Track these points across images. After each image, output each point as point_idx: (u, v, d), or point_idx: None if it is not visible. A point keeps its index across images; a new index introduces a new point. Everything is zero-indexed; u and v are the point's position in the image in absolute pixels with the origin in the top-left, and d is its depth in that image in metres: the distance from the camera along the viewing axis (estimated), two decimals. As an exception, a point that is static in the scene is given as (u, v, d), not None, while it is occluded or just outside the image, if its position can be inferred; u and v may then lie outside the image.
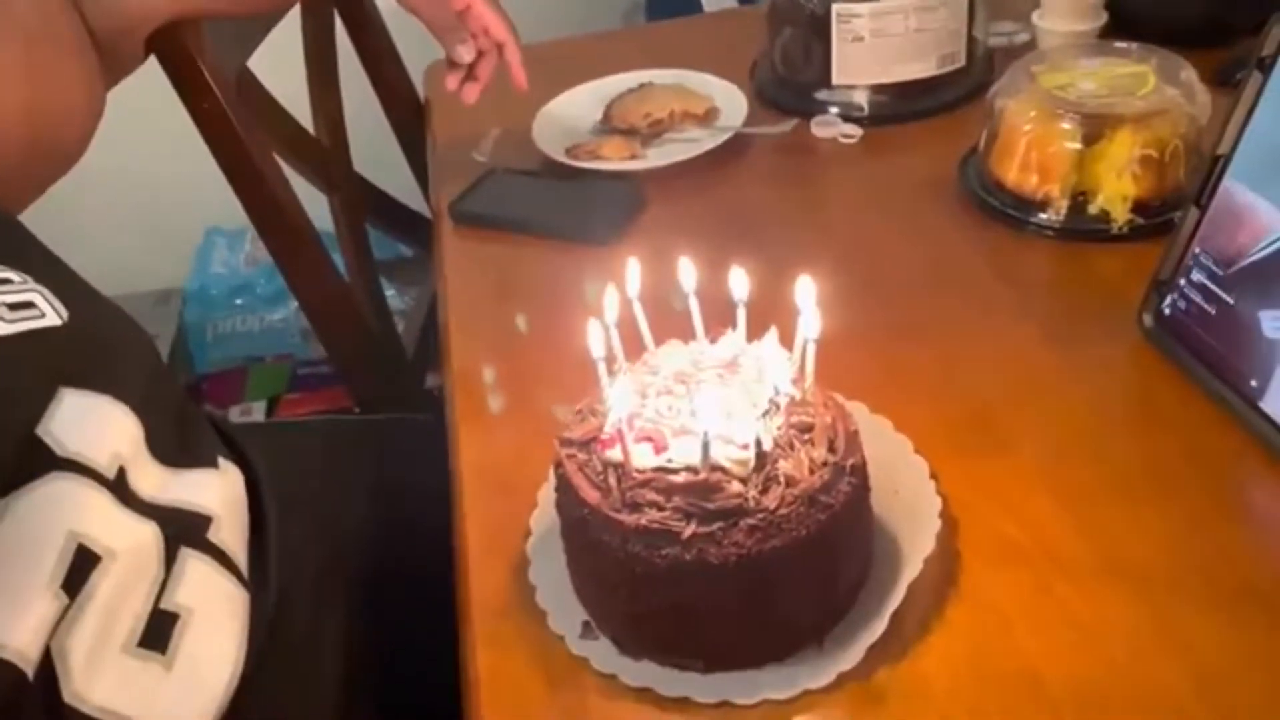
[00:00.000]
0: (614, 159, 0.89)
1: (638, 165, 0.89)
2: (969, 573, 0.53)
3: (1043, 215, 0.75)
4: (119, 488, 0.50)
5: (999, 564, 0.53)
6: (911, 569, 0.51)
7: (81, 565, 0.47)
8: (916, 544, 0.52)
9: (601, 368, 0.50)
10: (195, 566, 0.53)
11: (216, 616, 0.53)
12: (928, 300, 0.72)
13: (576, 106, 0.98)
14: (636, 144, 0.91)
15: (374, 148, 1.11)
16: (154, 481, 0.52)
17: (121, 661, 0.48)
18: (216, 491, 0.56)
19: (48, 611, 0.46)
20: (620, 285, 0.53)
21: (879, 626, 0.49)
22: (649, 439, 0.48)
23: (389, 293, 1.27)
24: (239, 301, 1.62)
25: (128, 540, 0.50)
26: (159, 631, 0.50)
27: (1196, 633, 0.49)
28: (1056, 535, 0.54)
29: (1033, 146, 0.74)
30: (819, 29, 0.91)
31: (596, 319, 0.50)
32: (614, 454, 0.48)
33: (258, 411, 1.62)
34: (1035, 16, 0.93)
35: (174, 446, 0.55)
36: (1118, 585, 0.51)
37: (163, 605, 0.51)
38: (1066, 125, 0.73)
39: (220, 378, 1.64)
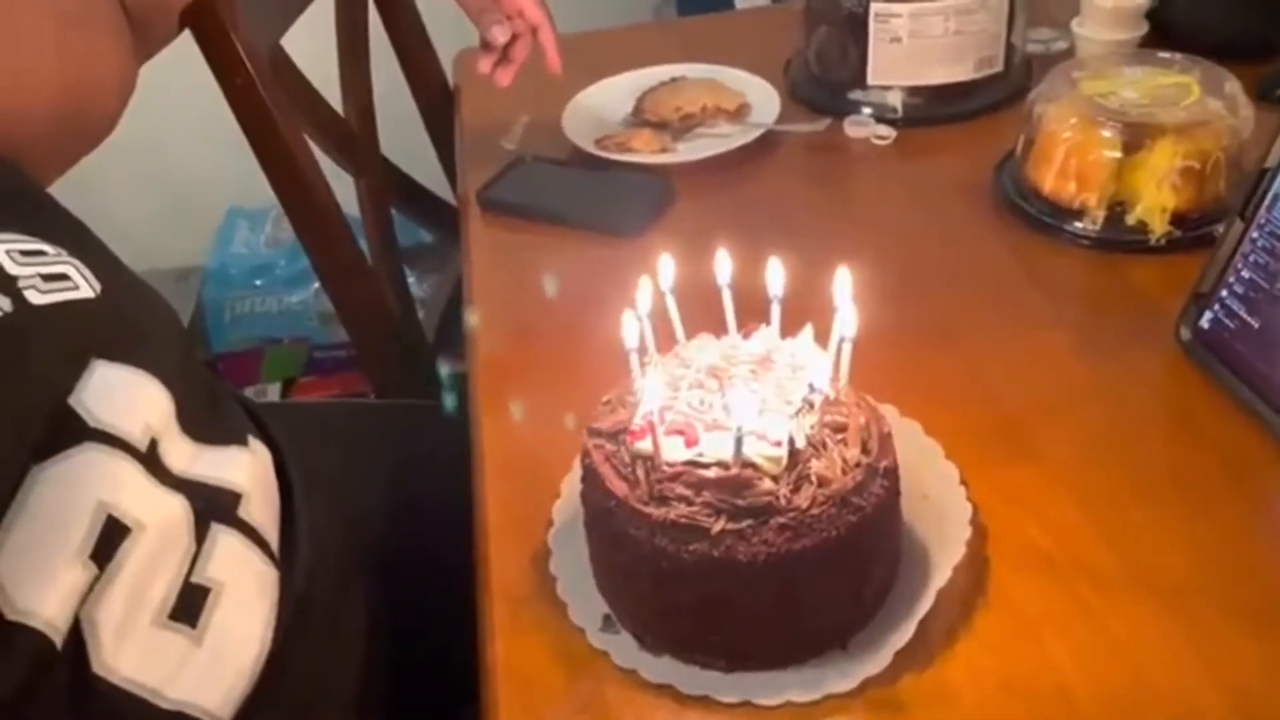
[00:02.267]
0: (644, 152, 0.89)
1: (668, 159, 0.88)
2: (997, 581, 0.52)
3: (1079, 224, 0.74)
4: (150, 460, 0.50)
5: (1028, 573, 0.52)
6: (940, 576, 0.50)
7: (111, 536, 0.47)
8: (946, 550, 0.52)
9: (634, 359, 0.49)
10: (226, 542, 0.52)
11: (247, 592, 0.53)
12: (960, 305, 0.72)
13: (607, 98, 0.97)
14: (667, 137, 0.91)
15: (402, 132, 1.10)
16: (185, 455, 0.52)
17: (151, 634, 0.48)
18: (246, 469, 0.56)
19: (77, 581, 0.45)
20: (652, 277, 0.53)
21: (906, 632, 0.48)
22: (680, 432, 0.47)
23: (409, 279, 1.27)
24: (258, 282, 1.62)
25: (158, 513, 0.49)
26: (190, 605, 0.50)
27: (1228, 647, 0.48)
28: (1086, 546, 0.53)
29: (1072, 153, 0.73)
30: (856, 28, 0.90)
31: (630, 310, 0.49)
32: (644, 446, 0.47)
33: (272, 393, 1.62)
34: (1075, 24, 0.92)
35: (204, 422, 0.55)
36: (1148, 597, 0.50)
37: (194, 579, 0.50)
38: (1107, 133, 0.72)
39: (236, 358, 1.64)
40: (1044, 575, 0.52)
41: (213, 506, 0.52)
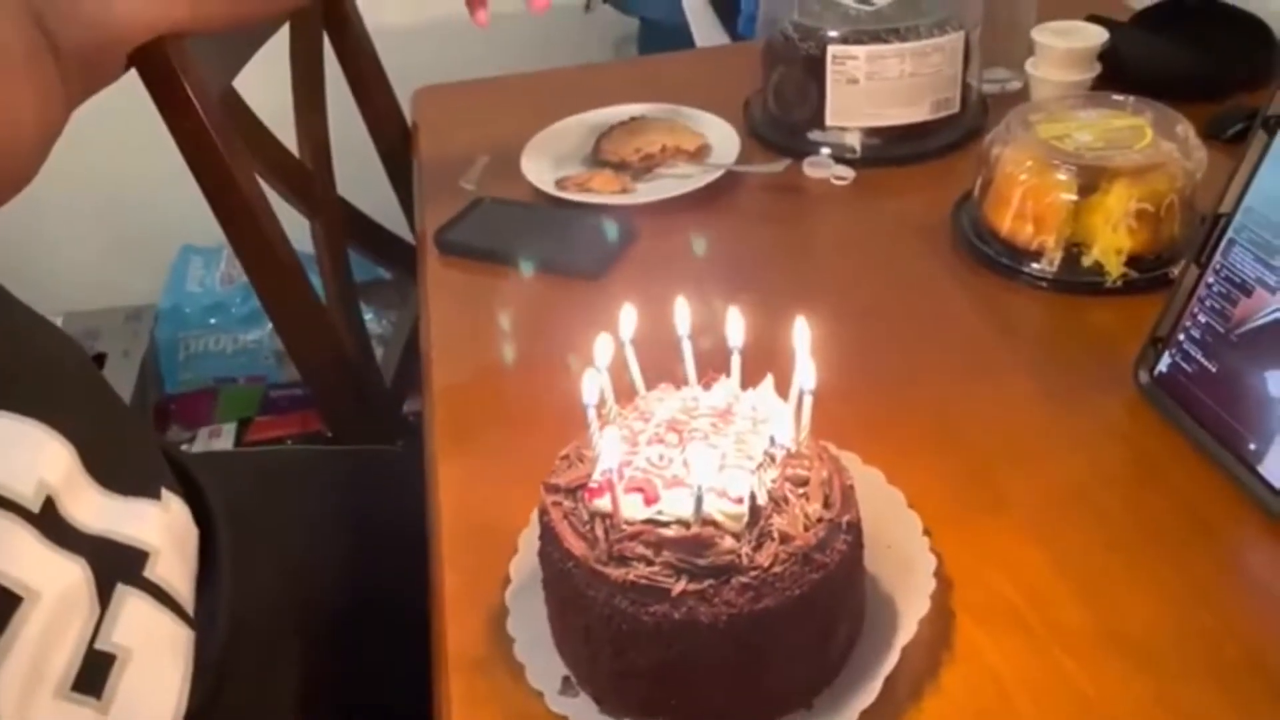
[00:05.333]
0: (604, 192, 0.88)
1: (628, 199, 0.88)
2: (964, 634, 0.51)
3: (1036, 265, 0.75)
4: (46, 521, 0.47)
5: (996, 627, 0.51)
6: (906, 631, 0.49)
7: (4, 606, 0.44)
8: (911, 603, 0.51)
9: (592, 413, 0.48)
10: (133, 604, 0.50)
11: (158, 657, 0.50)
12: (920, 349, 0.71)
13: (566, 138, 0.97)
14: (627, 178, 0.90)
15: (358, 171, 1.09)
16: (92, 507, 0.49)
17: (55, 706, 0.46)
18: (156, 523, 0.53)
19: None
20: (611, 327, 0.52)
21: (873, 691, 0.47)
22: (639, 489, 0.46)
23: (367, 316, 1.25)
24: (213, 321, 1.59)
25: (55, 579, 0.47)
26: (94, 674, 0.47)
27: (1199, 709, 0.47)
28: (1054, 599, 0.53)
29: (1028, 196, 0.73)
30: (814, 70, 0.91)
31: (591, 367, 0.48)
32: (602, 503, 0.46)
33: (227, 433, 1.59)
34: (1029, 65, 0.93)
35: (116, 470, 0.52)
36: (1118, 655, 0.50)
37: (98, 645, 0.48)
38: (1062, 176, 0.72)
39: (190, 398, 1.60)
40: (1011, 628, 0.51)
41: (117, 566, 0.49)
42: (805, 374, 0.48)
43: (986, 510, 0.58)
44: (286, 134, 0.96)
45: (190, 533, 0.57)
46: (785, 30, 0.93)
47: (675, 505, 0.45)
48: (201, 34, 0.75)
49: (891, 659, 0.48)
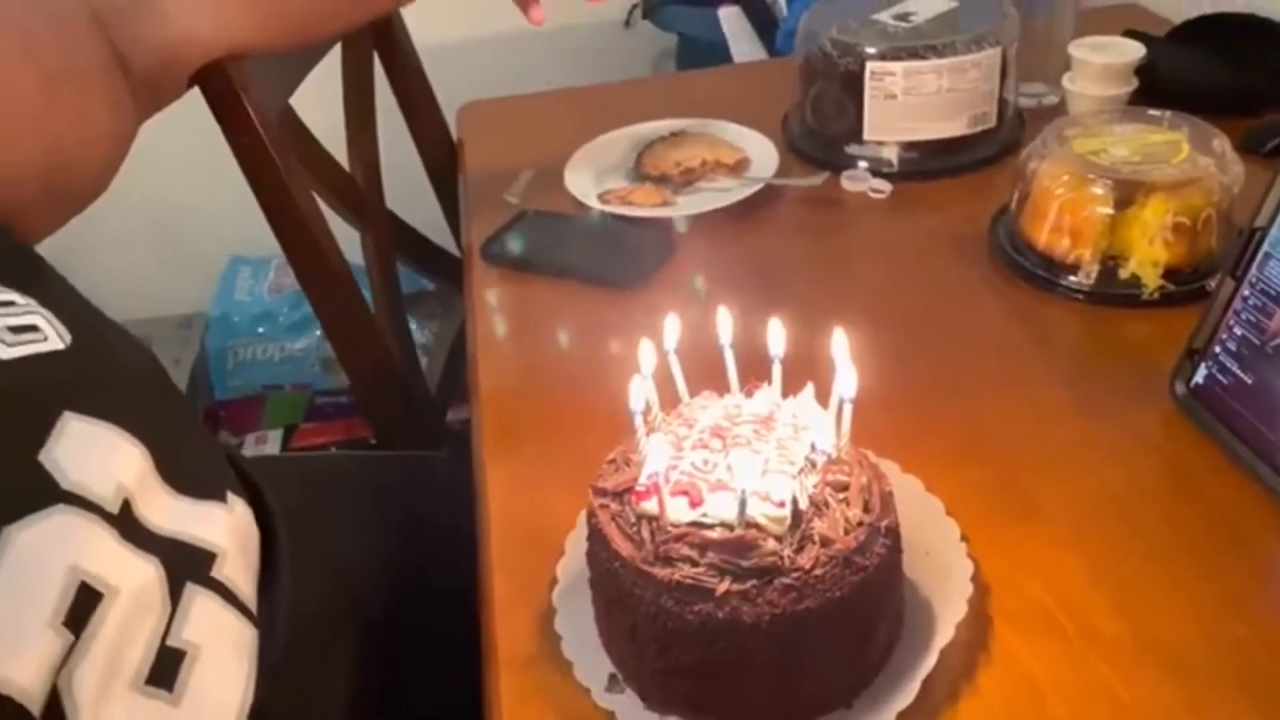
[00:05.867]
0: (645, 205, 0.90)
1: (668, 212, 0.90)
2: (1000, 639, 0.52)
3: (1073, 278, 0.76)
4: (123, 521, 0.49)
5: (1032, 633, 0.53)
6: (944, 634, 0.51)
7: (84, 602, 0.46)
8: (949, 608, 0.52)
9: (638, 420, 0.50)
10: (202, 603, 0.52)
11: (224, 653, 0.53)
12: (957, 359, 0.73)
13: (608, 152, 0.99)
14: (668, 191, 0.92)
15: (406, 185, 1.12)
16: (164, 509, 0.52)
17: (130, 699, 0.48)
18: (222, 525, 0.55)
19: (51, 649, 0.45)
20: (652, 336, 0.54)
21: (910, 692, 0.49)
22: (685, 493, 0.48)
23: (411, 326, 1.27)
24: (261, 329, 1.63)
25: (131, 577, 0.49)
26: (166, 669, 0.49)
27: (1229, 716, 0.48)
28: (1089, 607, 0.54)
29: (1065, 210, 0.75)
30: (852, 85, 0.92)
31: (637, 373, 0.50)
32: (649, 506, 0.48)
33: (274, 439, 1.63)
34: (1066, 80, 0.94)
35: (185, 473, 0.54)
36: (1151, 663, 0.51)
37: (169, 642, 0.50)
38: (1099, 190, 0.73)
39: (239, 404, 1.64)
40: (1047, 634, 0.53)
41: (187, 566, 0.52)
42: (845, 383, 0.50)
43: (1022, 519, 0.59)
44: (338, 150, 0.99)
45: (252, 534, 0.59)
46: (824, 46, 0.94)
47: (719, 508, 0.47)
48: (258, 55, 0.78)
49: (929, 661, 0.50)
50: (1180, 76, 0.94)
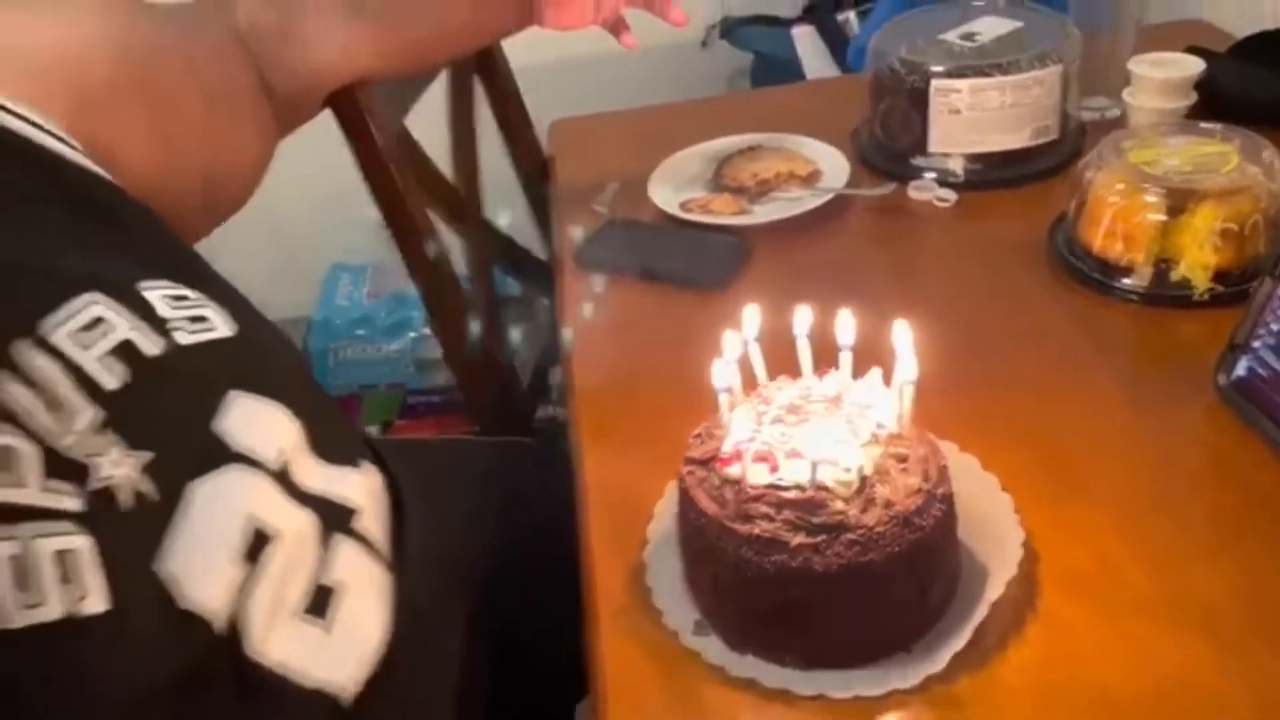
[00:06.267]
0: (724, 214, 0.98)
1: (745, 220, 0.97)
2: (1046, 599, 0.58)
3: (1127, 281, 0.81)
4: (283, 480, 0.59)
5: (1075, 595, 0.58)
6: (995, 589, 0.57)
7: (257, 543, 0.55)
8: (1001, 570, 0.58)
9: (723, 397, 0.57)
10: (346, 550, 0.61)
11: (365, 593, 0.61)
12: (1014, 354, 0.78)
13: (689, 164, 1.07)
14: (744, 201, 1.00)
15: (500, 195, 1.21)
16: (312, 474, 0.61)
17: (292, 625, 0.57)
18: (359, 487, 0.64)
19: (233, 579, 0.54)
20: (736, 327, 0.61)
21: (963, 637, 0.55)
22: (764, 459, 0.55)
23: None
24: (359, 332, 1.74)
25: (292, 523, 0.58)
26: (320, 602, 0.58)
27: (1258, 661, 0.53)
28: (1129, 576, 0.59)
29: (1119, 216, 0.80)
30: (918, 101, 0.99)
31: (719, 357, 0.58)
32: (733, 471, 0.55)
33: (372, 435, 1.74)
34: (1126, 94, 0.99)
35: (326, 445, 0.64)
36: (1182, 617, 0.56)
37: (322, 580, 0.59)
38: (1151, 198, 0.78)
39: (338, 402, 1.76)
40: (1089, 596, 0.58)
41: (334, 518, 0.61)
42: (906, 367, 0.56)
43: (1071, 498, 0.65)
44: (442, 163, 1.08)
45: (383, 496, 0.68)
46: (892, 64, 1.01)
47: (794, 473, 0.54)
48: (381, 80, 0.87)
49: (981, 611, 0.56)
50: (1238, 91, 0.98)
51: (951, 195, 0.97)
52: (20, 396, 0.50)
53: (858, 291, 0.88)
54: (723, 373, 0.57)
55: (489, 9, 0.88)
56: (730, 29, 1.60)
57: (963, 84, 0.95)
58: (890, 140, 1.04)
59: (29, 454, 0.49)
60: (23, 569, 0.47)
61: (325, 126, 0.87)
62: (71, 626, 0.47)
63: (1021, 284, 0.86)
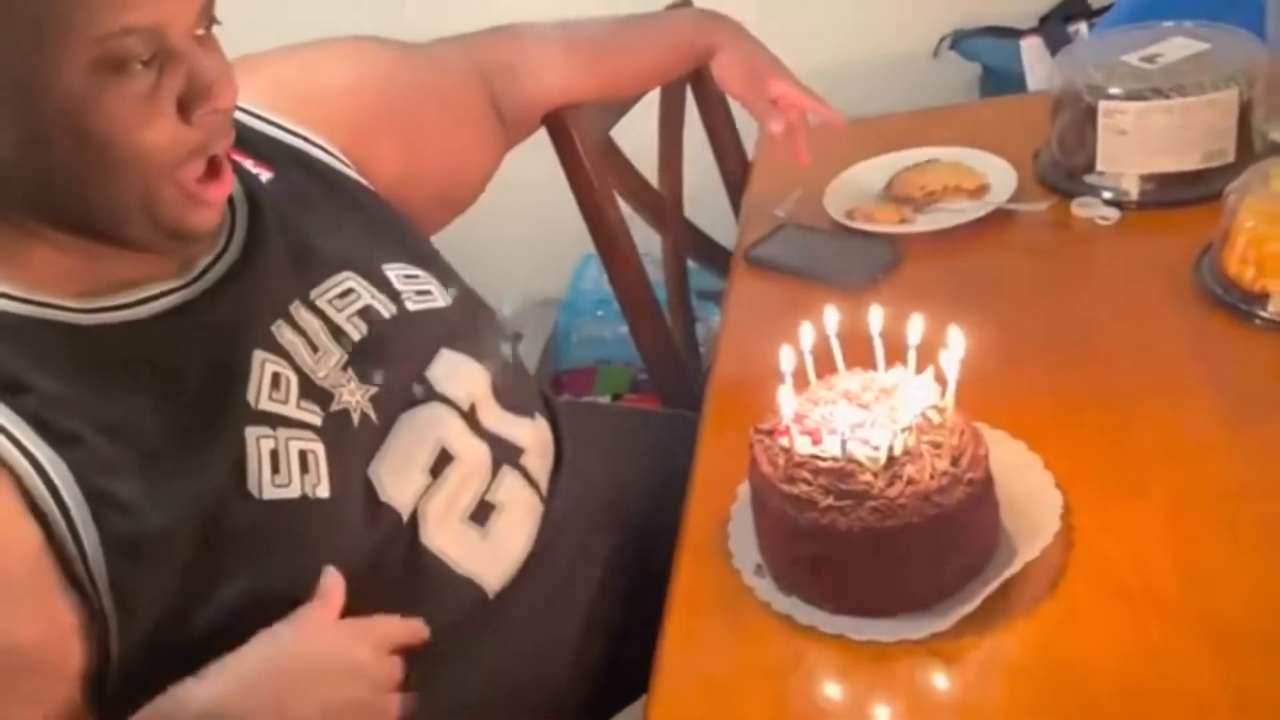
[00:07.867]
0: (884, 222, 1.06)
1: (904, 229, 1.05)
2: (1068, 588, 0.65)
3: (1262, 311, 0.81)
4: (469, 417, 0.77)
5: (1099, 590, 0.64)
6: (1013, 569, 0.64)
7: (442, 461, 0.74)
8: (1030, 550, 0.65)
9: (788, 380, 0.69)
10: (510, 479, 0.78)
11: (520, 513, 0.78)
12: (1124, 366, 0.82)
13: (868, 174, 1.15)
14: (908, 210, 1.07)
15: (705, 197, 1.35)
16: (493, 415, 0.79)
17: (457, 526, 0.75)
18: (529, 433, 0.81)
19: (420, 484, 0.73)
20: (858, 327, 0.71)
21: (973, 603, 0.63)
22: (810, 434, 0.66)
23: (707, 313, 1.51)
24: (600, 313, 1.96)
25: (471, 451, 0.76)
26: (482, 513, 0.76)
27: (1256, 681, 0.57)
28: (1163, 580, 0.64)
29: (1252, 243, 0.81)
30: (1089, 120, 1.01)
31: (788, 344, 0.69)
32: (784, 441, 0.67)
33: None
34: (1320, 115, 0.96)
35: (509, 394, 0.81)
36: (1215, 642, 0.60)
37: (487, 497, 0.77)
38: (1288, 225, 0.79)
39: (578, 373, 1.99)
40: (1113, 596, 0.64)
41: (504, 453, 0.78)
42: (952, 365, 0.65)
43: (1133, 498, 0.70)
44: (646, 164, 1.24)
45: (548, 443, 0.85)
46: (1070, 83, 1.04)
47: (833, 447, 0.65)
48: (592, 102, 1.04)
49: (992, 586, 0.64)
50: None
51: (1114, 214, 0.99)
52: (292, 341, 0.71)
53: (990, 302, 0.94)
54: (788, 358, 0.68)
55: (682, 55, 1.04)
56: (960, 40, 1.64)
57: (1129, 106, 0.98)
58: (1064, 156, 1.07)
59: (293, 380, 0.70)
60: (276, 459, 0.67)
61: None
62: (306, 504, 0.67)
63: (1156, 304, 0.88)
